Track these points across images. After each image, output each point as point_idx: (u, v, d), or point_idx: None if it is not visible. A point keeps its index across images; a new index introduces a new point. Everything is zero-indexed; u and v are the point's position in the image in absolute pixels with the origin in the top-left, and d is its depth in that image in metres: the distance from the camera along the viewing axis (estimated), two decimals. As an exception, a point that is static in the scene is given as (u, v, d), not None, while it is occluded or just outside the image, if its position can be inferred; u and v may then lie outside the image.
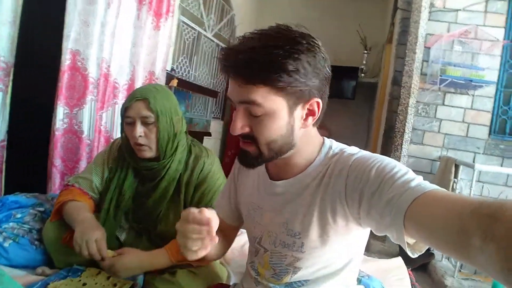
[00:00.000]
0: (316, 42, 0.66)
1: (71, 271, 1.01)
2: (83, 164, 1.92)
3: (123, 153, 1.17)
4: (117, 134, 2.14)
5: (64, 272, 1.03)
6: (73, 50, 1.83)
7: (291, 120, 0.66)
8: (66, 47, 1.79)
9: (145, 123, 1.06)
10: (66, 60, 1.80)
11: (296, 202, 0.73)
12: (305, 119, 0.68)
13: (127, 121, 1.08)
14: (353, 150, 0.73)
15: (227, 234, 0.93)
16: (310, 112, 0.68)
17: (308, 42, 0.63)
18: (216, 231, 0.92)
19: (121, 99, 2.13)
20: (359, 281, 0.94)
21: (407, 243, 0.56)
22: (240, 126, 0.66)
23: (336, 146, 0.76)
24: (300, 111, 0.67)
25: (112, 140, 1.33)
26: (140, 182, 1.18)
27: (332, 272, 0.75)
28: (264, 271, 0.81)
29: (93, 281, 0.95)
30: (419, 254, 0.58)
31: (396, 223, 0.54)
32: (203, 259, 0.85)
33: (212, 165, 1.16)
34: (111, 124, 2.11)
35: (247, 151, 0.69)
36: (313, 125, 0.72)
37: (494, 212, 0.39)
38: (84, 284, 0.93)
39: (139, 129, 1.05)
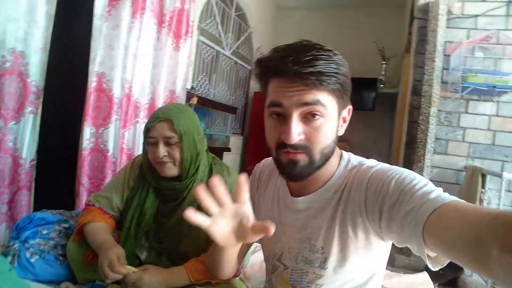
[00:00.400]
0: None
1: (93, 287, 1.04)
2: (108, 181, 1.99)
3: (144, 172, 1.18)
4: (138, 151, 2.22)
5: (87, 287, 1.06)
6: (98, 72, 1.94)
7: (338, 125, 0.70)
8: (93, 70, 1.90)
9: (168, 144, 1.07)
10: (93, 82, 1.91)
11: (319, 217, 0.73)
12: (341, 126, 0.72)
13: (150, 141, 1.08)
14: (372, 162, 0.73)
15: (240, 250, 0.93)
16: (343, 119, 0.72)
17: (339, 56, 0.67)
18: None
19: (142, 118, 2.22)
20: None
21: (429, 256, 0.55)
22: (297, 132, 0.64)
23: (354, 159, 0.76)
24: (341, 116, 0.71)
25: (132, 158, 1.38)
26: (162, 202, 1.18)
27: (355, 287, 0.74)
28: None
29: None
30: (441, 267, 0.57)
31: (416, 236, 0.54)
32: (210, 267, 0.86)
33: (233, 184, 1.15)
34: (132, 142, 2.20)
35: (296, 160, 0.66)
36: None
37: (510, 222, 0.39)
38: None
39: (162, 149, 1.06)
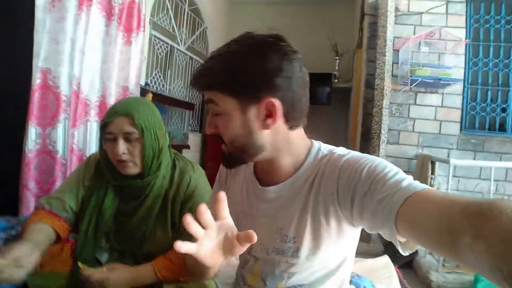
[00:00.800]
0: (276, 39, 0.67)
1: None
2: (58, 186, 1.84)
3: (101, 171, 1.09)
4: (89, 152, 2.08)
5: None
6: (43, 68, 1.77)
7: (246, 120, 0.66)
8: (37, 65, 1.74)
9: (128, 140, 1.00)
10: (37, 79, 1.74)
11: (290, 206, 0.72)
12: (264, 120, 0.66)
13: (108, 138, 1.01)
14: (343, 151, 0.73)
15: None
16: (269, 113, 0.66)
17: (258, 41, 0.66)
18: None
19: (93, 116, 2.07)
20: (349, 282, 0.93)
21: (399, 241, 0.56)
22: (208, 125, 0.71)
23: (325, 147, 0.76)
24: (254, 111, 0.66)
25: (86, 157, 1.26)
26: (122, 200, 1.10)
27: (327, 273, 0.75)
28: (255, 282, 0.79)
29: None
30: (411, 252, 0.59)
31: (388, 223, 0.55)
32: (194, 275, 0.82)
33: (199, 180, 1.11)
34: (83, 142, 2.05)
35: (223, 150, 0.72)
36: (291, 127, 0.70)
37: (483, 211, 0.40)
38: None
39: (122, 146, 0.98)
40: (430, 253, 2.36)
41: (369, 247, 2.47)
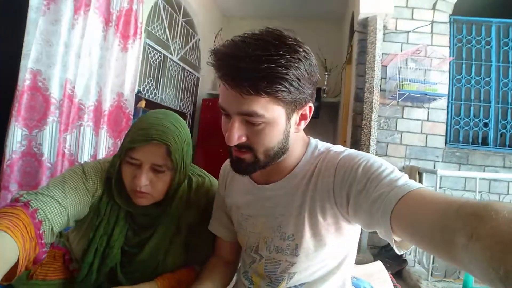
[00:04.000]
0: (308, 48, 0.65)
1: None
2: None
3: (112, 192, 0.89)
4: (82, 157, 2.04)
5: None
6: (33, 70, 1.76)
7: (288, 127, 0.66)
8: (26, 66, 1.72)
9: (155, 170, 0.83)
10: (26, 79, 1.72)
11: (287, 204, 0.72)
12: (299, 124, 0.68)
13: (131, 162, 0.83)
14: (339, 148, 0.74)
15: (230, 255, 0.91)
16: (303, 117, 0.68)
17: (304, 50, 0.62)
18: (215, 258, 0.91)
19: (86, 121, 2.05)
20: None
21: (395, 240, 0.56)
22: (237, 136, 0.63)
23: (322, 145, 0.76)
24: (295, 117, 0.67)
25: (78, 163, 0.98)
26: (132, 230, 0.93)
27: (328, 272, 0.75)
28: (260, 280, 0.78)
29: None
30: (406, 251, 0.59)
31: (384, 222, 0.54)
32: None
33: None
34: (75, 147, 2.02)
35: (241, 158, 0.67)
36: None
37: (479, 211, 0.40)
38: None
39: (145, 178, 0.82)
40: (419, 262, 2.39)
41: (359, 257, 2.48)
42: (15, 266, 0.66)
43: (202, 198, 0.96)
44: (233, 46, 0.60)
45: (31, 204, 0.74)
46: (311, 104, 0.67)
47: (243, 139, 0.64)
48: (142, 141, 0.80)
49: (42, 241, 0.74)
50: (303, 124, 0.69)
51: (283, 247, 0.73)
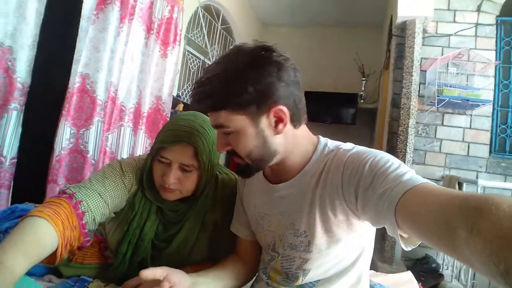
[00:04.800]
0: (268, 51, 0.68)
1: (78, 281, 1.00)
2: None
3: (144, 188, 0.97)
4: (121, 155, 2.19)
5: (71, 281, 1.01)
6: (83, 73, 1.92)
7: (260, 131, 0.69)
8: (76, 70, 1.88)
9: (183, 170, 0.88)
10: (76, 82, 1.88)
11: (299, 201, 0.75)
12: (275, 127, 0.70)
13: (161, 160, 0.89)
14: (348, 146, 0.75)
15: (249, 255, 0.93)
16: (279, 119, 0.70)
17: (258, 56, 0.67)
18: (236, 255, 0.96)
19: (127, 122, 2.20)
20: (371, 288, 0.93)
21: (402, 236, 0.57)
22: (221, 145, 0.73)
23: (331, 143, 0.78)
24: (265, 121, 0.69)
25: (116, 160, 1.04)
26: (162, 224, 0.99)
27: (343, 269, 0.76)
28: (276, 275, 0.81)
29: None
30: (413, 247, 0.59)
31: (389, 217, 0.55)
32: None
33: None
34: (116, 146, 2.17)
35: (238, 164, 0.75)
36: (295, 127, 0.73)
37: (480, 206, 0.40)
38: None
39: (173, 176, 0.87)
40: (457, 277, 2.26)
41: (391, 269, 2.40)
42: (56, 251, 0.74)
43: (227, 195, 1.00)
44: (203, 73, 0.72)
45: (75, 196, 0.82)
46: (281, 107, 0.68)
47: (228, 147, 0.72)
48: (171, 141, 0.86)
49: (85, 231, 0.83)
50: (282, 126, 0.70)
51: (296, 243, 0.75)
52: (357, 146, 0.74)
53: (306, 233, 0.74)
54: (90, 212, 0.83)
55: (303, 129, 0.77)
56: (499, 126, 2.66)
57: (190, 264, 0.97)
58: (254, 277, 0.94)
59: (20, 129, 1.59)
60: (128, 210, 0.97)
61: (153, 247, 0.98)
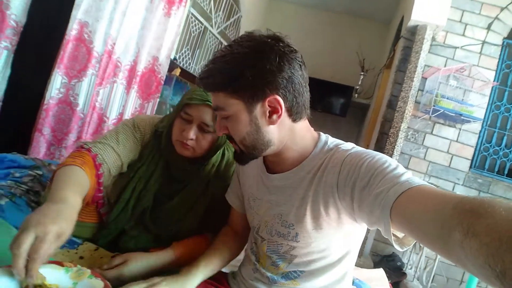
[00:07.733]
0: (275, 40, 0.68)
1: (68, 242, 0.97)
2: (72, 137, 1.86)
3: (159, 142, 1.03)
4: (111, 112, 2.10)
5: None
6: (81, 21, 1.79)
7: (253, 118, 0.70)
8: (75, 16, 1.75)
9: (201, 129, 0.95)
10: (73, 29, 1.76)
11: (291, 194, 0.76)
12: (269, 117, 0.70)
13: (183, 117, 0.96)
14: (348, 146, 0.76)
15: (241, 227, 0.96)
16: (274, 110, 0.69)
17: (259, 43, 0.68)
18: (227, 228, 0.98)
19: (120, 79, 2.09)
20: (352, 283, 0.96)
21: (397, 236, 0.58)
22: (219, 128, 0.75)
23: (332, 141, 0.78)
24: (260, 109, 0.69)
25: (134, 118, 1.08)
26: (167, 180, 1.04)
27: (328, 264, 0.78)
28: (264, 258, 0.83)
29: (90, 256, 0.89)
30: (407, 248, 0.61)
31: (384, 217, 0.56)
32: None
33: None
34: (106, 102, 2.07)
35: (235, 149, 0.77)
36: (295, 121, 0.73)
37: (476, 208, 0.40)
38: (81, 258, 0.88)
39: (192, 132, 0.94)
40: (418, 278, 2.39)
41: (359, 261, 2.50)
42: None
43: (230, 172, 1.07)
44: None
45: (92, 150, 0.92)
46: (276, 96, 0.68)
47: (225, 130, 0.74)
48: (198, 100, 0.93)
49: (100, 180, 0.92)
50: (276, 117, 0.70)
51: (284, 232, 0.77)
52: (357, 146, 0.75)
53: (294, 226, 0.75)
54: (105, 164, 0.93)
55: (304, 124, 0.76)
56: (484, 144, 2.75)
57: (185, 226, 1.02)
58: (242, 259, 0.95)
59: (9, 71, 1.48)
60: (136, 161, 1.03)
61: (155, 199, 1.03)
